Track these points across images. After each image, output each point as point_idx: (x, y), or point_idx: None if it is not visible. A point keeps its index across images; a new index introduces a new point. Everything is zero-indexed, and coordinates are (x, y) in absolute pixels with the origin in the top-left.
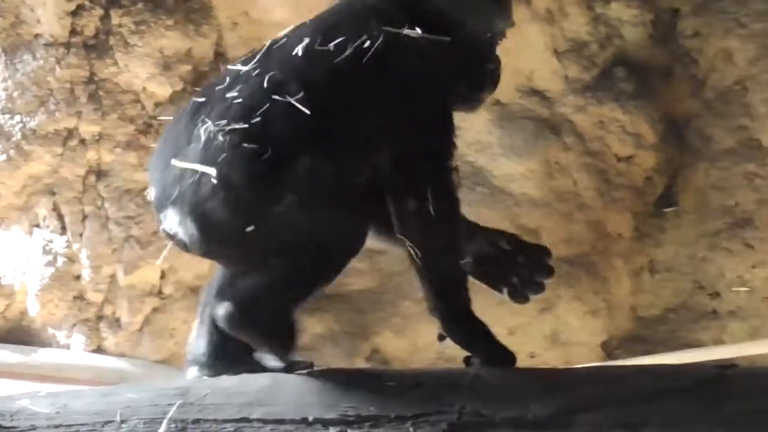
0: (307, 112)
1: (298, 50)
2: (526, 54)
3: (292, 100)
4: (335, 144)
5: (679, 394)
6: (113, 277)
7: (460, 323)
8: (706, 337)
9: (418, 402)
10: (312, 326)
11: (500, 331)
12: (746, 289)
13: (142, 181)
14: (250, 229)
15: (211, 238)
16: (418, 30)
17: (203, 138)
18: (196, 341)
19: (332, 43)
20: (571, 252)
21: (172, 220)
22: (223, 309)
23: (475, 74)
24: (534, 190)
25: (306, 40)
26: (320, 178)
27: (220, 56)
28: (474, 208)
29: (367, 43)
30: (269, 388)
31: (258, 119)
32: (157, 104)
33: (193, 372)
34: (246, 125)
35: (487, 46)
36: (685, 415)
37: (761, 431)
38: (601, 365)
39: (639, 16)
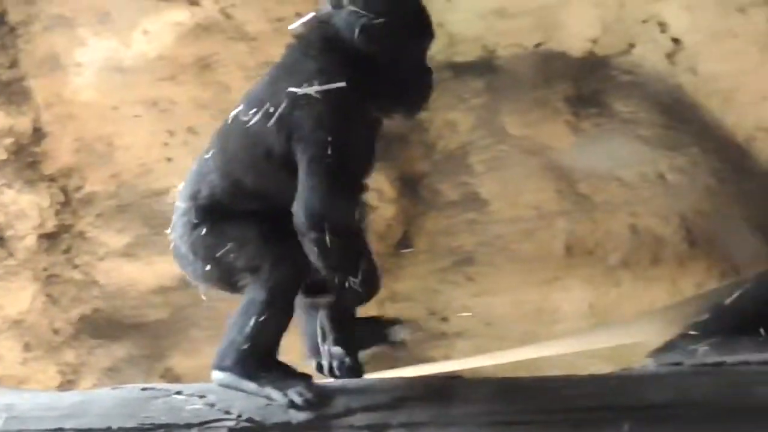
0: (211, 165)
1: (230, 117)
2: None
3: (208, 156)
4: (252, 205)
5: (416, 401)
6: None
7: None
8: (438, 354)
9: (203, 411)
10: (114, 351)
11: None
12: (469, 314)
13: None
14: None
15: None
16: (315, 86)
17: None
18: None
19: (250, 111)
20: None
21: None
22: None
23: (402, 88)
24: None
25: (239, 107)
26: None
27: (37, 131)
28: None
29: (272, 109)
30: (81, 402)
31: (193, 186)
32: None
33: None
34: (185, 191)
35: (413, 62)
36: (421, 418)
37: (483, 430)
38: (356, 379)
39: None
